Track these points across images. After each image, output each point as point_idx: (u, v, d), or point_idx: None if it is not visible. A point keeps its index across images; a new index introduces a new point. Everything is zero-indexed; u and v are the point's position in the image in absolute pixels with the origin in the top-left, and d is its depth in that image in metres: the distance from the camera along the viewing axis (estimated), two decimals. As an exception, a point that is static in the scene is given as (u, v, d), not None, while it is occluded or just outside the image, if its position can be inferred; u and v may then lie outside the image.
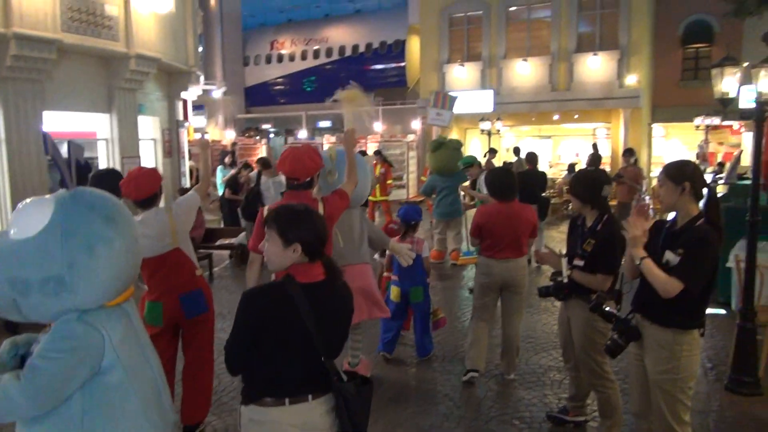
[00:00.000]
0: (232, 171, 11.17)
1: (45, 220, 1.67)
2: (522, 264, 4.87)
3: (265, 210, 3.53)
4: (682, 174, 2.97)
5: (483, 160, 12.47)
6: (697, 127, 17.47)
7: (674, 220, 3.08)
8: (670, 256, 2.92)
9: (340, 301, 2.29)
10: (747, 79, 5.81)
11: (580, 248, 3.74)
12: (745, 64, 4.78)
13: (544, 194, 10.19)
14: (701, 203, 3.02)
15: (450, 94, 11.08)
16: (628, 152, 10.29)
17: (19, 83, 7.79)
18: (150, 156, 10.72)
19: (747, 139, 17.17)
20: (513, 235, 4.77)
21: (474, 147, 22.96)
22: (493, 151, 16.99)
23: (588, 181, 3.83)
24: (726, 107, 4.80)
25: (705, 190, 3.03)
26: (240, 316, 2.14)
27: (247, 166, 10.87)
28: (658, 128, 21.25)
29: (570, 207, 15.36)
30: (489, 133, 18.59)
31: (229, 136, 26.76)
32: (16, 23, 7.45)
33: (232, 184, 10.30)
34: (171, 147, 11.20)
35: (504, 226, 4.76)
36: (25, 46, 7.54)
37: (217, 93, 24.19)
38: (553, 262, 4.01)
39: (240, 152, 22.59)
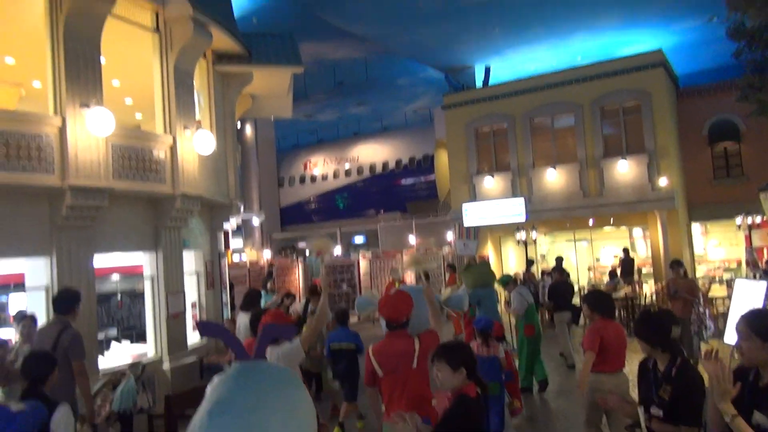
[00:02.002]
0: (275, 297, 11.18)
1: (263, 395, 1.65)
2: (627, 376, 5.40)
3: (370, 351, 4.25)
4: None
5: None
6: (739, 226, 17.11)
7: (756, 372, 2.89)
8: (761, 419, 2.70)
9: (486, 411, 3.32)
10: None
11: (656, 395, 3.52)
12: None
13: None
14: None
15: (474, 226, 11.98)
16: (676, 264, 9.94)
17: (72, 231, 8.11)
18: (193, 289, 10.85)
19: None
20: (620, 348, 5.35)
21: (510, 256, 22.83)
22: (530, 262, 16.86)
23: (655, 323, 3.67)
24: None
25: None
26: (456, 416, 3.14)
27: (289, 295, 10.84)
28: (696, 227, 20.94)
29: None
30: (525, 243, 18.52)
31: (266, 256, 27.19)
32: (72, 176, 7.87)
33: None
34: (213, 279, 11.35)
35: (617, 341, 5.30)
36: (79, 196, 7.92)
37: (256, 221, 25.07)
38: (625, 410, 3.78)
39: (277, 272, 22.84)
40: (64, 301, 5.80)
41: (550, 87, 21.03)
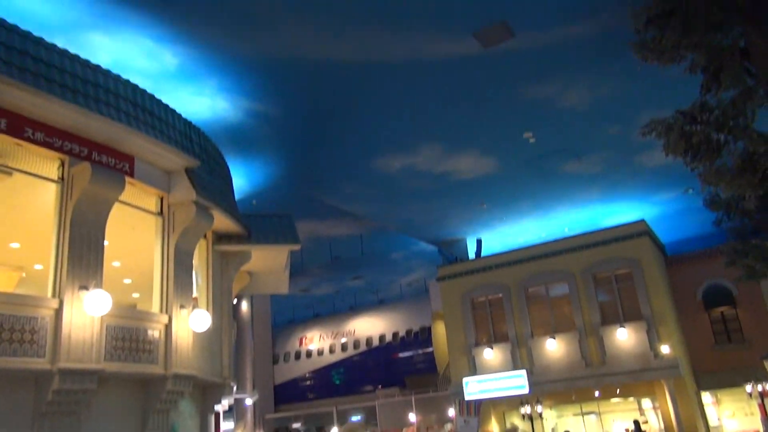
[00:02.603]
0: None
1: None
2: None
3: None
4: None
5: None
6: (750, 394, 16.52)
7: None
8: None
9: None
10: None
11: None
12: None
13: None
14: None
15: (474, 399, 11.47)
16: None
17: (57, 417, 7.75)
18: (177, 480, 10.08)
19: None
20: None
21: None
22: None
23: None
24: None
25: None
26: None
27: None
28: (707, 396, 20.14)
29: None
30: (531, 418, 17.72)
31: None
32: (63, 359, 7.72)
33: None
34: (200, 468, 10.61)
35: None
36: (68, 380, 7.70)
37: (249, 401, 24.10)
38: None
39: (269, 457, 21.38)
40: None
41: (542, 257, 21.54)
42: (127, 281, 12.51)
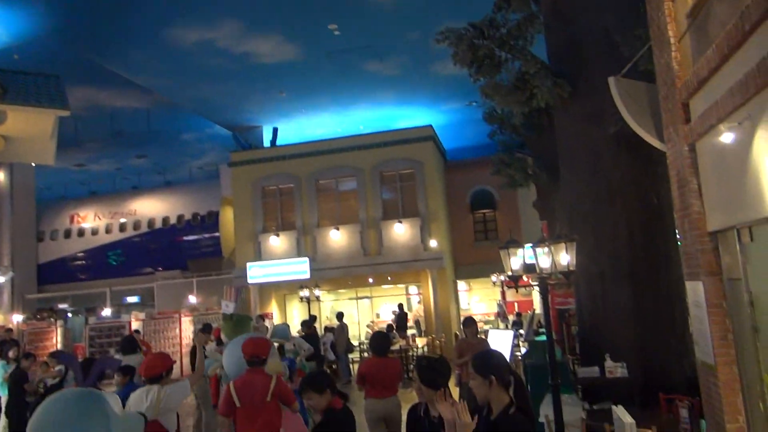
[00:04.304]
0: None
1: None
2: (397, 401, 6.42)
3: (231, 384, 5.13)
4: (487, 368, 3.18)
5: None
6: (494, 283, 19.34)
7: (489, 407, 3.23)
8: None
9: None
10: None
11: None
12: (527, 245, 5.57)
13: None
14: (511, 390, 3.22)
15: (242, 287, 12.55)
16: (471, 322, 9.15)
17: None
18: None
19: (535, 293, 19.36)
20: (389, 379, 6.44)
21: (294, 314, 22.90)
22: (312, 318, 17.13)
23: (436, 368, 3.66)
24: (516, 283, 5.42)
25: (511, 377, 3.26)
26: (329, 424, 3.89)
27: (29, 355, 9.79)
28: (461, 284, 23.23)
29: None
30: (308, 300, 18.77)
31: (16, 319, 23.63)
32: None
33: (19, 382, 9.01)
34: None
35: (383, 374, 6.40)
36: None
37: (1, 278, 21.71)
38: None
39: (30, 338, 20.00)
40: None
41: (335, 152, 22.08)
42: None
